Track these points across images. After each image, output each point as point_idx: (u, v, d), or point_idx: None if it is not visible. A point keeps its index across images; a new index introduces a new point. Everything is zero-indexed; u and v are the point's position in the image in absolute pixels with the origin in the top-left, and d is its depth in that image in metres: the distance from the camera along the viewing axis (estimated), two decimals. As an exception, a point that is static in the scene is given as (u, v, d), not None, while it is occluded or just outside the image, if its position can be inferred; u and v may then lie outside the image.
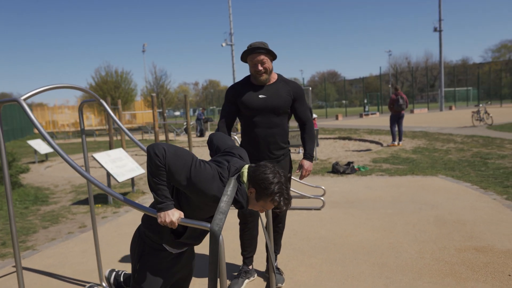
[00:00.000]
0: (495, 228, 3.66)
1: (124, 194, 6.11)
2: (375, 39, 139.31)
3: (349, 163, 7.03)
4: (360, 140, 12.82)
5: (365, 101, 31.26)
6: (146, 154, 1.88)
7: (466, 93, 40.74)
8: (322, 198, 4.74)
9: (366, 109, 30.81)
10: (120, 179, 5.27)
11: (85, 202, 5.83)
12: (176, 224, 1.68)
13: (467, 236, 3.49)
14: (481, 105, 15.88)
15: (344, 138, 13.71)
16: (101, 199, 5.86)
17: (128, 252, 3.62)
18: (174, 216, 1.67)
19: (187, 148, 13.18)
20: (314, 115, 10.58)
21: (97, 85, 29.14)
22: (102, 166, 5.32)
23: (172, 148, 1.68)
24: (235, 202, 1.77)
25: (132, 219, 4.72)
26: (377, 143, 11.58)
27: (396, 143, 10.46)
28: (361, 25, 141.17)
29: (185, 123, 23.09)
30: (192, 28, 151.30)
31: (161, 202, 1.68)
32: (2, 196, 5.79)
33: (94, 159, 5.44)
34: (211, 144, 2.15)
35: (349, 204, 4.81)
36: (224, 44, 28.57)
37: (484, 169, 6.42)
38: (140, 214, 4.94)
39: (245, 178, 1.75)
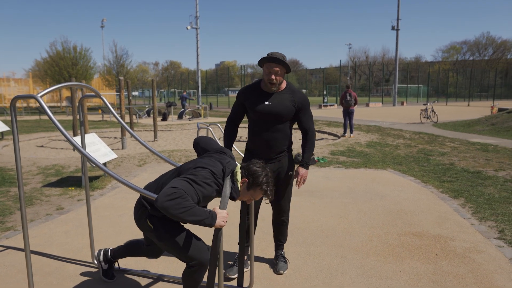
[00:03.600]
0: (429, 216, 4.37)
1: (97, 177, 6.27)
2: (337, 31, 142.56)
3: (310, 155, 7.63)
4: (319, 131, 13.58)
5: (325, 92, 32.38)
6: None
7: (417, 90, 43.35)
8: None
9: (325, 100, 31.97)
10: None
11: (56, 184, 5.94)
12: (226, 217, 2.08)
13: (407, 223, 4.16)
14: (428, 103, 17.27)
15: (304, 129, 14.42)
16: (74, 181, 6.00)
17: (108, 233, 3.91)
18: (222, 214, 2.06)
19: (152, 132, 13.22)
20: None
21: (52, 60, 27.70)
22: (79, 151, 5.46)
23: (174, 185, 2.02)
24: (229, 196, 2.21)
25: (108, 203, 4.97)
26: (334, 135, 12.38)
27: (346, 135, 11.63)
28: (324, 17, 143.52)
29: (147, 106, 22.82)
30: (154, 7, 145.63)
31: (207, 217, 2.00)
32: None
33: (72, 144, 5.55)
34: (197, 147, 2.55)
35: (310, 193, 5.38)
36: (189, 27, 28.17)
37: (426, 164, 7.29)
38: (115, 198, 5.19)
39: (238, 177, 2.19)
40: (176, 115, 21.83)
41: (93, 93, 2.88)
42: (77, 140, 5.70)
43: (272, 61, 2.69)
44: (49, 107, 27.84)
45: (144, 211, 2.24)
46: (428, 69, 45.08)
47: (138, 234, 3.88)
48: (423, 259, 3.30)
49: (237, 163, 2.33)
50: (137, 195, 5.24)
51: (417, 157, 8.14)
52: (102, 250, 2.92)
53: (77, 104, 11.42)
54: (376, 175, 6.49)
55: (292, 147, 3.08)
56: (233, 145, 3.24)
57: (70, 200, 5.10)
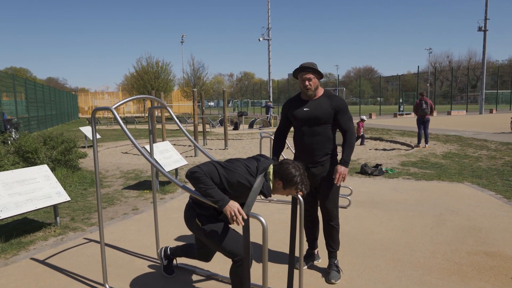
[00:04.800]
0: (509, 236, 3.95)
1: (169, 182, 6.78)
2: (415, 36, 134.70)
3: (377, 165, 7.36)
4: (391, 141, 12.96)
5: (400, 100, 30.73)
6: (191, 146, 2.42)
7: (510, 96, 38.90)
8: (348, 197, 5.16)
9: (401, 109, 30.32)
10: (167, 169, 5.92)
11: (134, 187, 6.55)
12: (241, 210, 2.17)
13: (480, 242, 3.82)
14: (521, 111, 15.43)
15: (375, 139, 13.87)
16: (149, 185, 6.55)
17: (174, 234, 4.23)
18: (234, 205, 2.19)
19: (223, 141, 13.83)
20: (364, 117, 11.91)
21: (138, 74, 30.54)
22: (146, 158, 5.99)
23: (200, 165, 2.31)
24: (261, 193, 2.36)
25: (177, 205, 5.36)
26: (408, 145, 11.72)
27: (421, 145, 10.98)
28: (400, 22, 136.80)
29: (220, 116, 23.89)
30: (229, 20, 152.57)
31: (219, 200, 2.19)
32: (65, 178, 6.62)
33: (146, 150, 6.11)
34: None
35: (373, 205, 5.20)
36: (261, 39, 28.99)
37: (512, 179, 6.56)
38: (184, 201, 5.57)
39: (271, 176, 2.35)
40: (247, 124, 22.49)
41: (162, 105, 3.19)
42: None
43: (302, 70, 3.01)
44: (135, 117, 30.59)
45: (193, 212, 2.47)
46: (524, 73, 40.26)
47: (200, 236, 4.13)
48: (494, 281, 3.02)
49: (271, 162, 2.45)
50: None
51: (502, 170, 7.36)
52: (163, 248, 3.21)
53: (156, 114, 12.51)
54: (450, 188, 6.03)
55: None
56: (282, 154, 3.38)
57: (144, 202, 5.60)
